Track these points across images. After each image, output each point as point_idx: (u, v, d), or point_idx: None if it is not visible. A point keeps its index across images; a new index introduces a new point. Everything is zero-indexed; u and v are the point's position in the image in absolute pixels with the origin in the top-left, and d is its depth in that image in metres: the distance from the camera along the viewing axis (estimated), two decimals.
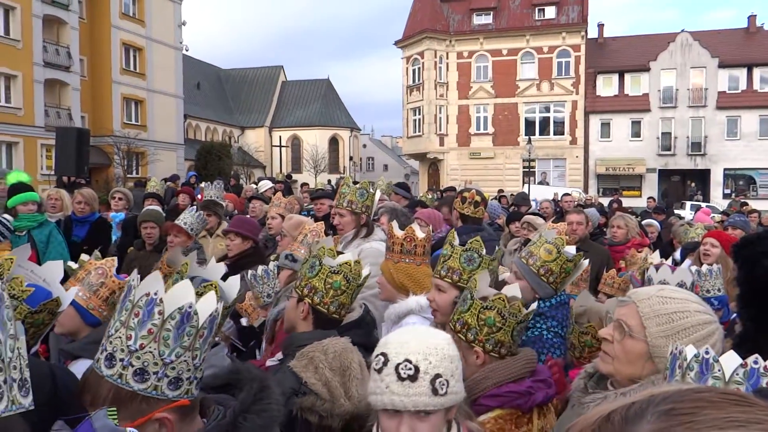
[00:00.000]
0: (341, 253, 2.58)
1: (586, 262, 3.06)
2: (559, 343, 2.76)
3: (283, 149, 45.03)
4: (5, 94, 26.85)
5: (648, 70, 35.55)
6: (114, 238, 6.77)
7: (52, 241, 5.41)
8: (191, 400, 1.31)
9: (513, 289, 2.21)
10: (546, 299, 2.82)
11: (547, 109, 37.28)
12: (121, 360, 1.25)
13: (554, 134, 37.22)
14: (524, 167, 34.81)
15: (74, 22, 30.14)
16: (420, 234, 3.15)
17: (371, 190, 4.26)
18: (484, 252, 2.79)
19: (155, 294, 1.27)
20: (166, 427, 1.27)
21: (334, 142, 52.47)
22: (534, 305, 2.19)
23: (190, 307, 1.28)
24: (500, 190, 19.89)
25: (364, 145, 65.82)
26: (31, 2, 27.25)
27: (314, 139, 50.22)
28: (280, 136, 48.76)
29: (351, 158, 52.34)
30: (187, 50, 41.14)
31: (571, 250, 2.94)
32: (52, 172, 16.99)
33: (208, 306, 1.31)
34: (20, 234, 5.25)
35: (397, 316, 3.06)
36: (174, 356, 1.26)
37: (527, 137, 34.22)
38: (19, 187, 5.78)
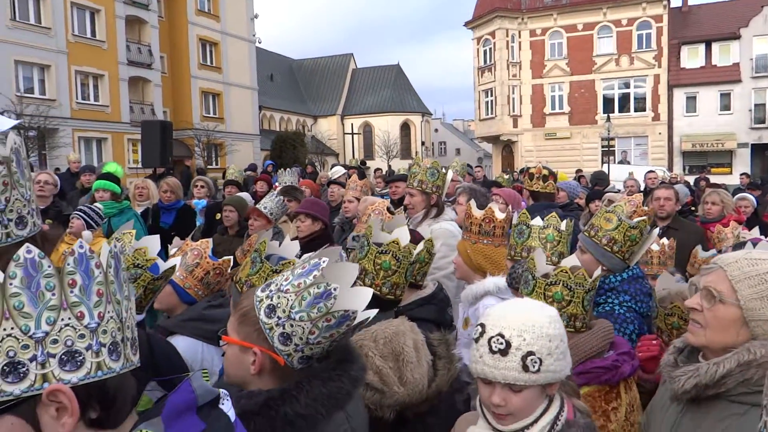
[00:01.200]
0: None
1: (655, 231, 2.86)
2: (632, 318, 2.58)
3: (356, 136, 45.39)
4: (93, 92, 28.35)
5: (738, 37, 33.26)
6: (198, 223, 6.99)
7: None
8: None
9: (571, 260, 2.15)
10: (616, 273, 2.65)
11: (627, 85, 35.68)
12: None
13: (635, 111, 35.59)
14: (603, 146, 33.52)
15: (154, 21, 31.39)
16: (499, 215, 3.07)
17: (442, 170, 4.19)
18: (562, 227, 2.69)
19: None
20: None
21: (405, 127, 52.39)
22: (598, 271, 2.09)
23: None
24: (578, 170, 19.20)
25: (436, 130, 65.39)
26: (114, 4, 28.57)
27: (386, 125, 50.33)
28: (351, 124, 49.19)
29: (423, 143, 52.13)
30: (259, 43, 42.04)
31: (656, 229, 2.78)
32: (139, 165, 17.81)
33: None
34: (103, 221, 5.47)
35: (474, 297, 2.99)
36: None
37: (606, 115, 32.89)
38: (103, 176, 6.03)
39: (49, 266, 0.90)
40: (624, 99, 35.90)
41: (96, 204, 5.22)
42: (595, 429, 1.64)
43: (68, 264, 0.92)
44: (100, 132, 28.19)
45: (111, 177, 5.77)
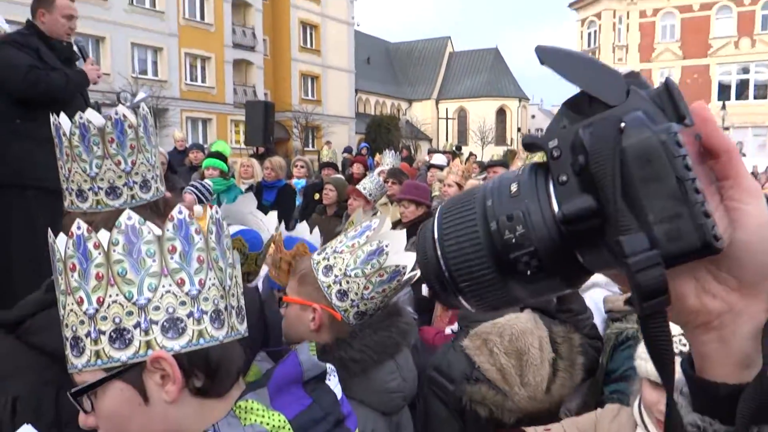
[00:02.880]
0: None
1: None
2: None
3: (450, 121, 44.95)
4: (201, 74, 29.72)
5: None
6: (297, 203, 7.12)
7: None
8: None
9: None
10: None
11: (746, 71, 33.06)
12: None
13: (754, 98, 32.95)
14: None
15: (258, 4, 32.37)
16: None
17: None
18: None
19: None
20: None
21: (501, 113, 51.31)
22: None
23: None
24: None
25: (533, 116, 63.60)
26: None
27: (481, 111, 49.50)
28: (446, 108, 48.72)
29: (519, 129, 50.86)
30: (358, 26, 42.43)
31: None
32: (242, 145, 18.50)
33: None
34: (212, 197, 5.69)
35: (584, 287, 2.81)
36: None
37: (721, 102, 30.68)
38: (211, 155, 6.26)
39: (149, 232, 0.89)
40: (742, 85, 33.32)
41: (206, 180, 5.42)
42: None
43: (168, 230, 0.91)
44: (206, 113, 29.53)
45: (219, 155, 5.97)
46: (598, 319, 2.69)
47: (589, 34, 36.38)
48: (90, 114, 1.41)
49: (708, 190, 0.43)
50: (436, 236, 0.49)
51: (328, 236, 5.84)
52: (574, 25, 37.78)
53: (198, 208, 5.04)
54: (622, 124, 0.43)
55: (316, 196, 6.66)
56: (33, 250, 3.20)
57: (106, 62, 24.88)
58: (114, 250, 0.88)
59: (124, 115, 1.44)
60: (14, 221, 3.36)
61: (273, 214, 2.50)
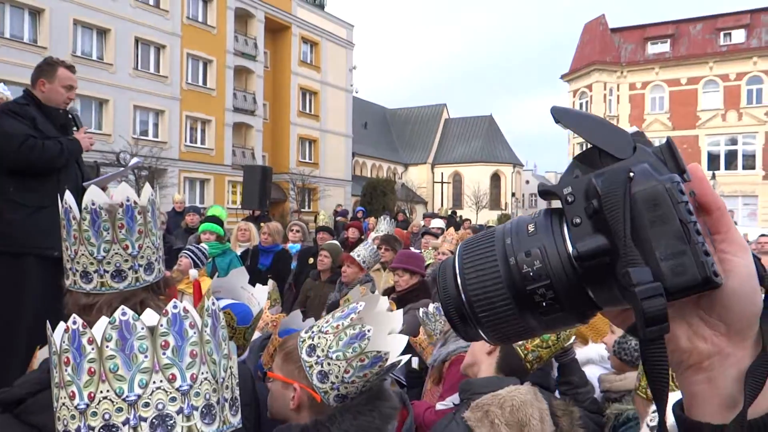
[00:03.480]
0: None
1: None
2: None
3: (445, 185, 45.51)
4: (201, 136, 30.25)
5: None
6: (292, 267, 7.17)
7: (231, 268, 5.84)
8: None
9: None
10: None
11: (734, 142, 33.84)
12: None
13: (743, 168, 33.61)
14: None
15: (260, 71, 33.32)
16: None
17: None
18: None
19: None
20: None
21: (495, 178, 52.01)
22: None
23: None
24: None
25: (527, 182, 64.44)
26: (225, 55, 30.64)
27: (476, 175, 50.20)
28: (442, 173, 49.43)
29: (513, 194, 51.45)
30: (356, 92, 43.51)
31: None
32: (238, 206, 18.69)
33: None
34: (207, 261, 5.75)
35: (586, 360, 2.86)
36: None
37: (711, 172, 31.25)
38: (208, 219, 6.37)
39: (143, 328, 0.91)
40: (731, 156, 34.04)
41: (202, 244, 5.50)
42: None
43: (161, 325, 0.92)
44: (204, 173, 29.87)
45: (216, 219, 6.08)
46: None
47: (581, 104, 37.39)
48: (97, 196, 1.45)
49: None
50: (457, 270, 0.54)
51: (321, 302, 5.85)
52: (567, 96, 38.87)
53: (193, 272, 5.10)
54: (631, 174, 0.48)
55: (311, 260, 6.71)
56: (25, 316, 3.23)
57: (107, 123, 25.36)
58: (107, 346, 0.89)
59: (135, 202, 1.49)
60: (7, 287, 3.34)
61: (263, 289, 2.50)
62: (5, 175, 3.39)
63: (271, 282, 4.53)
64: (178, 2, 28.28)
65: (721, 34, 34.19)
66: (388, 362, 1.50)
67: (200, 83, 29.86)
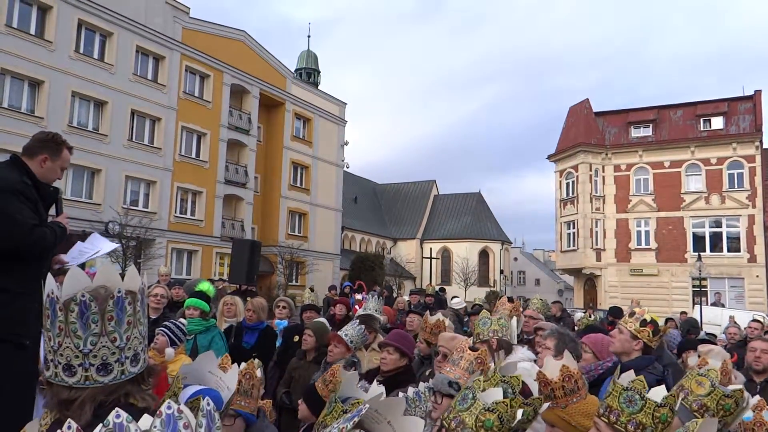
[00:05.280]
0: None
1: (753, 400, 2.64)
2: None
3: (434, 261, 45.53)
4: (191, 207, 30.33)
5: None
6: (277, 344, 7.03)
7: (213, 346, 5.71)
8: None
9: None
10: None
11: (719, 224, 34.38)
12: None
13: (728, 251, 33.96)
14: (694, 286, 31.88)
15: (252, 144, 33.88)
16: (573, 365, 2.89)
17: (492, 319, 4.36)
18: (676, 407, 2.46)
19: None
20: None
21: (484, 254, 52.20)
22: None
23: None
24: (668, 319, 17.63)
25: (515, 259, 64.64)
26: (219, 129, 31.22)
27: (464, 252, 50.36)
28: (431, 248, 49.56)
29: (502, 271, 51.48)
30: (347, 167, 44.19)
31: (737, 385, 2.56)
32: (225, 278, 18.49)
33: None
34: (189, 338, 5.62)
35: None
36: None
37: (696, 254, 31.56)
38: (195, 294, 6.27)
39: (137, 430, 0.91)
40: (716, 237, 34.48)
41: (181, 320, 5.39)
42: None
43: (155, 426, 0.92)
44: (193, 244, 29.75)
45: (202, 295, 5.99)
46: None
47: (568, 184, 38.11)
48: (84, 283, 1.42)
49: None
50: None
51: (306, 381, 5.69)
52: (553, 175, 39.65)
53: (169, 351, 4.97)
54: None
55: (296, 338, 6.60)
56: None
57: (98, 193, 25.40)
58: None
59: (126, 292, 1.46)
60: None
61: (234, 372, 2.47)
62: None
63: (256, 361, 4.42)
64: (175, 77, 29.04)
65: (701, 120, 35.42)
66: None
67: (193, 155, 30.24)
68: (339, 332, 5.43)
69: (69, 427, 0.90)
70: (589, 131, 37.39)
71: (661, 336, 4.19)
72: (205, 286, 6.34)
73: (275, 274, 33.41)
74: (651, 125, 36.66)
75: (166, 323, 5.38)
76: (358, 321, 5.55)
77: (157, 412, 0.94)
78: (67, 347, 1.40)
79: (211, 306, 6.26)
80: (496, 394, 2.22)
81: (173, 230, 28.58)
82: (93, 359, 1.40)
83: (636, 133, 37.04)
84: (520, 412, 2.25)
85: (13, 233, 3.15)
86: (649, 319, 4.08)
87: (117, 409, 0.92)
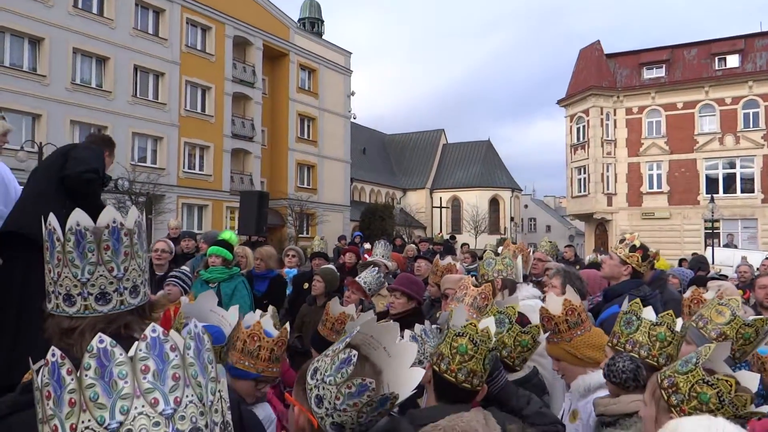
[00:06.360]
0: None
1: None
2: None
3: (444, 210, 45.51)
4: (199, 162, 30.30)
5: None
6: (288, 292, 7.05)
7: (236, 294, 5.71)
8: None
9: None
10: None
11: (732, 165, 33.89)
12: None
13: (742, 192, 33.59)
14: (707, 229, 31.69)
15: (258, 97, 33.52)
16: (576, 300, 2.88)
17: (497, 257, 4.32)
18: (677, 327, 2.44)
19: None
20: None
21: (494, 202, 52.08)
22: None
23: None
24: (681, 260, 17.59)
25: (526, 206, 64.53)
26: (224, 82, 30.85)
27: (474, 200, 50.27)
28: (440, 198, 49.48)
29: (512, 219, 51.46)
30: (354, 118, 43.76)
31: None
32: (235, 232, 18.66)
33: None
34: (212, 285, 5.62)
35: (586, 390, 2.76)
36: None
37: (709, 196, 31.26)
38: (218, 243, 6.20)
39: (121, 354, 0.90)
40: (729, 179, 34.06)
41: (183, 267, 5.38)
42: None
43: (140, 350, 0.91)
44: (203, 199, 29.85)
45: (226, 244, 5.94)
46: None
47: (578, 129, 37.56)
48: (82, 218, 1.43)
49: None
50: None
51: (316, 327, 5.75)
52: (564, 121, 39.07)
53: (184, 299, 4.98)
54: None
55: (305, 285, 6.61)
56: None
57: None
58: (86, 375, 0.88)
59: (121, 223, 1.46)
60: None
61: (234, 309, 2.52)
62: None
63: (271, 308, 4.44)
64: (177, 31, 28.55)
65: (716, 59, 34.48)
66: (378, 395, 1.43)
67: (199, 110, 30.01)
68: (357, 278, 5.44)
69: (53, 354, 0.90)
70: (600, 74, 36.57)
71: (651, 261, 4.19)
72: (227, 235, 6.28)
73: (286, 227, 33.58)
74: (664, 66, 35.76)
75: (174, 273, 5.38)
76: (377, 269, 5.54)
77: (142, 336, 0.92)
78: (66, 277, 1.42)
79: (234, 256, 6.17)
80: (487, 324, 2.16)
81: (183, 186, 28.64)
82: (91, 288, 1.42)
83: (648, 74, 36.17)
84: (493, 327, 2.17)
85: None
86: (638, 245, 4.09)
87: (99, 334, 0.91)
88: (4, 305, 3.38)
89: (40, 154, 19.06)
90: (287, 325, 2.97)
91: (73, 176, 3.64)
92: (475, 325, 2.08)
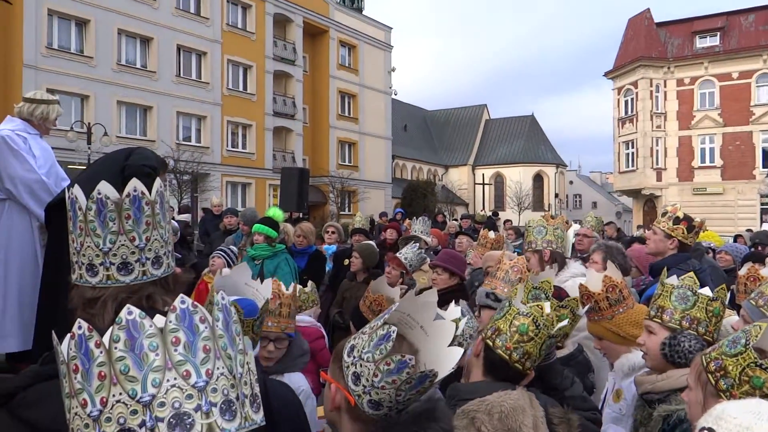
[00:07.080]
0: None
1: None
2: None
3: (486, 187, 44.98)
4: (242, 141, 30.66)
5: None
6: (328, 268, 7.05)
7: (278, 270, 5.73)
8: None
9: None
10: None
11: None
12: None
13: None
14: (763, 204, 30.47)
15: (299, 75, 33.58)
16: (618, 276, 2.75)
17: (549, 227, 4.18)
18: (698, 289, 2.32)
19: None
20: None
21: (538, 178, 51.21)
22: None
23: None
24: (737, 236, 16.86)
25: (571, 182, 63.29)
26: (265, 60, 30.98)
27: (518, 176, 49.52)
28: (483, 174, 48.89)
29: (557, 195, 50.55)
30: (395, 95, 43.44)
31: None
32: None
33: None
34: (257, 263, 5.65)
35: (630, 368, 2.65)
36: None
37: (765, 170, 29.98)
38: (263, 220, 6.23)
39: (151, 326, 0.88)
40: None
41: (231, 247, 5.42)
42: None
43: (170, 321, 0.89)
44: (246, 177, 30.24)
45: (271, 221, 5.97)
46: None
47: (626, 102, 36.41)
48: (106, 188, 1.42)
49: None
50: None
51: (358, 302, 5.72)
52: (611, 94, 37.92)
53: (226, 271, 5.04)
54: None
55: (345, 261, 6.59)
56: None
57: (152, 130, 25.92)
58: (115, 348, 0.86)
59: (142, 192, 1.44)
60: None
61: (267, 282, 2.55)
62: None
63: (310, 283, 4.44)
64: (218, 9, 28.73)
65: None
66: (418, 372, 1.38)
67: (241, 88, 30.26)
68: (398, 254, 5.39)
69: (79, 327, 0.88)
70: (650, 44, 35.22)
71: (697, 232, 3.99)
72: (272, 212, 6.30)
73: (328, 204, 33.78)
74: (719, 34, 34.19)
75: (222, 247, 5.41)
76: (417, 245, 5.47)
77: (171, 307, 0.91)
78: (89, 246, 1.41)
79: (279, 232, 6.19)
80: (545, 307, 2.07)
81: (226, 164, 29.04)
82: (113, 258, 1.41)
83: (701, 43, 34.66)
84: (561, 324, 2.10)
85: None
86: (682, 216, 3.89)
87: (128, 306, 0.89)
88: (60, 267, 3.49)
89: (88, 134, 19.56)
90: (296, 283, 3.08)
91: (135, 166, 3.76)
92: (541, 308, 2.04)
